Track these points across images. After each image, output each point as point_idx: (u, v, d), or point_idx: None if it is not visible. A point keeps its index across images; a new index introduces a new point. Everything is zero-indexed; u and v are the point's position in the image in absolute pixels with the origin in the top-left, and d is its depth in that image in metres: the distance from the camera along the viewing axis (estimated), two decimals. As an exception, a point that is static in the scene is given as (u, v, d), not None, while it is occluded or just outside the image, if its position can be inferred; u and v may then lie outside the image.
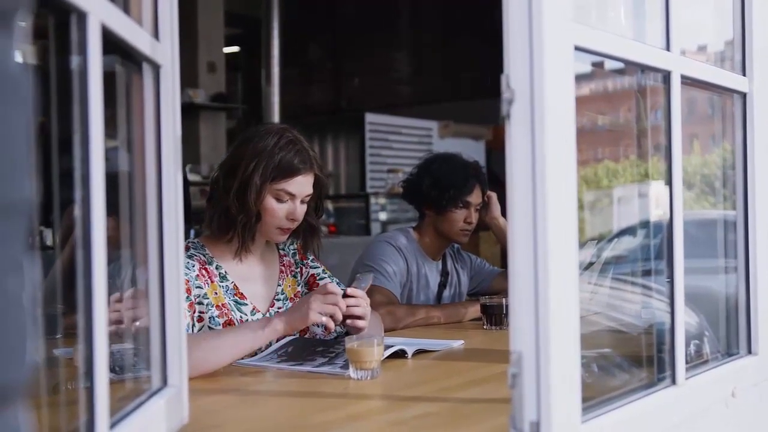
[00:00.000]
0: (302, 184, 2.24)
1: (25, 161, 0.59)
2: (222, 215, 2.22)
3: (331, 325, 2.06)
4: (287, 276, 2.40)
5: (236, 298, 2.23)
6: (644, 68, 1.58)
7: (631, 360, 1.75)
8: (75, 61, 1.03)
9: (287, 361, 2.05)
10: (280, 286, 2.36)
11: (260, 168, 2.18)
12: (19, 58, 0.59)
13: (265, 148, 2.19)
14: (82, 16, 1.01)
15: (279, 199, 2.22)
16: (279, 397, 1.79)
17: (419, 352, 2.20)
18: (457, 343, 2.37)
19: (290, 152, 2.21)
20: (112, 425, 1.10)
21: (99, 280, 1.02)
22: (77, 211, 1.03)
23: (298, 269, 2.44)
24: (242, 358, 2.07)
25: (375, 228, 7.56)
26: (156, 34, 1.37)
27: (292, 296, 2.38)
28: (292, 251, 2.45)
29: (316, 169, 2.27)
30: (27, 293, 0.60)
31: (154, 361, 1.38)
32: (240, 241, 2.24)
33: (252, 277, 2.30)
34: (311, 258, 2.47)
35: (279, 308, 2.31)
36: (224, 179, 2.22)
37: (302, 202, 2.26)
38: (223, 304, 2.19)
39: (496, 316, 2.67)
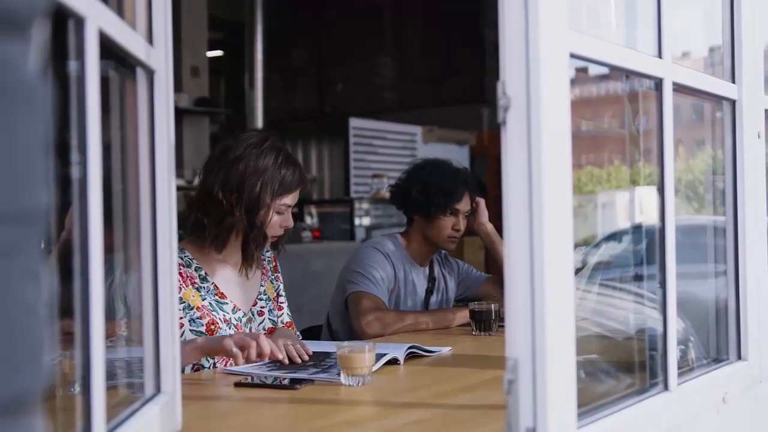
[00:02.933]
0: (297, 196, 2.37)
1: (43, 168, 0.58)
2: (227, 232, 2.28)
3: (240, 359, 1.97)
4: (267, 280, 2.48)
5: (217, 297, 2.30)
6: (637, 75, 1.59)
7: (620, 366, 1.75)
8: (72, 65, 1.02)
9: (280, 369, 2.04)
10: (262, 286, 2.45)
11: (267, 187, 2.26)
12: (35, 65, 0.59)
13: (267, 167, 2.27)
14: (79, 21, 1.00)
15: (278, 213, 2.32)
16: (271, 404, 1.78)
17: (411, 357, 2.20)
18: (446, 350, 2.37)
19: (289, 168, 2.32)
20: (108, 433, 1.09)
21: (96, 287, 1.02)
22: (74, 216, 1.02)
23: (274, 276, 2.54)
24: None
25: (359, 233, 7.55)
26: (150, 39, 1.36)
27: (273, 297, 2.48)
28: (267, 258, 2.54)
29: (306, 180, 2.41)
30: (43, 301, 0.60)
31: (148, 368, 1.37)
32: (254, 257, 2.33)
33: (234, 279, 2.37)
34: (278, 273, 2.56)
35: (262, 307, 2.42)
36: (225, 195, 2.25)
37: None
38: (202, 305, 2.25)
39: (484, 322, 2.67)
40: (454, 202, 3.02)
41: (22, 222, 0.56)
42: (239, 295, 2.36)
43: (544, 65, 1.17)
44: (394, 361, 2.12)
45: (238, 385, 1.90)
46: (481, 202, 3.16)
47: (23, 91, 0.56)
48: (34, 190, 0.58)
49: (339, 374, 1.89)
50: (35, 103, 0.58)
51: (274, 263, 2.55)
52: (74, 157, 1.02)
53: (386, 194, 3.24)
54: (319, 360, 2.15)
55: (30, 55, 0.58)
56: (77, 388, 1.08)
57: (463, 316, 2.84)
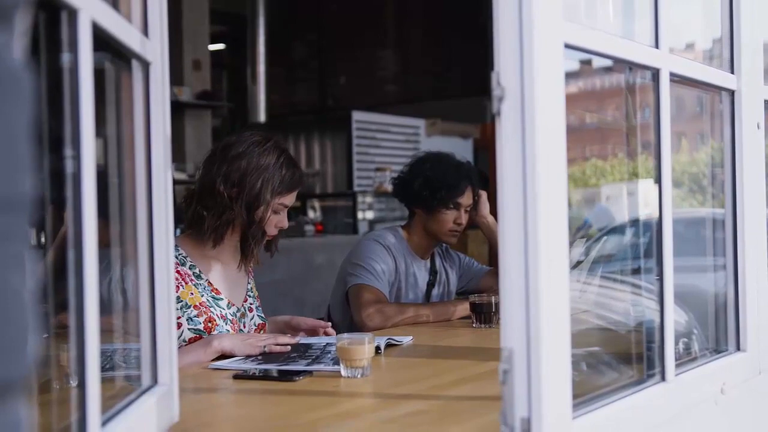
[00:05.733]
0: (294, 197, 2.40)
1: (26, 157, 0.59)
2: (225, 226, 2.30)
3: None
4: (252, 279, 2.53)
5: (213, 294, 2.33)
6: (634, 66, 1.59)
7: (620, 357, 1.75)
8: (65, 58, 1.03)
9: (268, 363, 2.03)
10: (249, 284, 2.50)
11: (268, 185, 2.30)
12: (18, 54, 0.59)
13: (268, 165, 2.31)
14: (72, 13, 1.00)
15: (275, 212, 2.35)
16: (270, 395, 1.78)
17: (389, 346, 2.25)
18: (408, 339, 2.41)
19: (290, 169, 2.35)
20: (103, 423, 1.10)
21: (90, 279, 1.02)
22: (68, 211, 1.02)
23: (253, 276, 2.58)
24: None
25: (362, 227, 7.55)
26: (145, 31, 1.36)
27: (257, 296, 2.53)
28: None
29: (304, 182, 2.44)
30: (28, 288, 0.60)
31: (145, 359, 1.37)
32: (253, 252, 2.36)
33: (225, 275, 2.40)
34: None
35: (251, 304, 2.46)
36: (226, 189, 2.28)
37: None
38: (200, 303, 2.28)
39: (485, 314, 2.67)
40: (456, 196, 3.01)
41: (6, 210, 0.57)
42: (231, 292, 2.40)
43: (538, 56, 1.17)
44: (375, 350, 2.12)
45: (236, 377, 1.90)
46: (483, 194, 3.16)
47: (6, 81, 0.57)
48: (18, 178, 0.58)
49: (333, 363, 1.90)
50: (19, 93, 0.58)
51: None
52: (68, 150, 1.03)
53: (389, 187, 3.25)
54: (303, 351, 2.15)
55: (13, 45, 0.58)
56: (76, 380, 1.08)
57: (463, 308, 2.84)
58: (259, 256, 2.43)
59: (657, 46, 1.54)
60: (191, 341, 2.22)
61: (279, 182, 2.31)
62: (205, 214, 2.29)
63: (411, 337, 2.44)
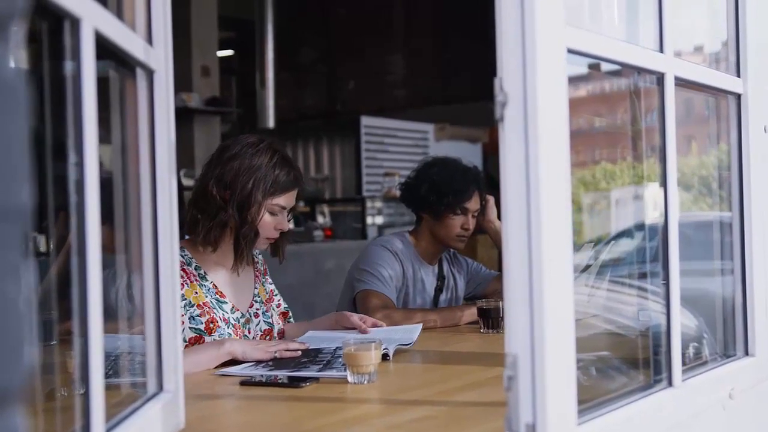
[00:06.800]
0: (292, 198, 2.38)
1: (23, 166, 0.59)
2: (218, 228, 2.30)
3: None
4: (260, 282, 2.52)
5: (217, 296, 2.33)
6: (638, 70, 1.58)
7: (628, 362, 1.75)
8: (68, 66, 1.03)
9: (278, 369, 2.03)
10: (256, 289, 2.49)
11: (260, 185, 2.28)
12: (14, 63, 0.59)
13: (260, 165, 2.29)
14: (75, 22, 1.01)
15: (272, 213, 2.33)
16: (276, 402, 1.78)
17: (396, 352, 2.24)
18: (417, 328, 2.43)
19: (284, 169, 2.33)
20: (108, 430, 1.10)
21: (94, 287, 1.02)
22: (72, 217, 1.02)
23: (265, 279, 2.56)
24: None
25: (371, 232, 7.55)
26: (149, 39, 1.37)
27: (266, 300, 2.51)
28: (260, 260, 2.58)
29: (302, 183, 2.42)
30: (24, 297, 0.60)
31: (150, 366, 1.37)
32: (244, 253, 2.35)
33: (230, 280, 2.40)
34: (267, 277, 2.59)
35: (257, 309, 2.45)
36: (219, 191, 2.28)
37: (288, 213, 2.39)
38: (204, 303, 2.29)
39: (492, 320, 2.66)
40: (464, 201, 3.01)
41: (3, 219, 0.57)
42: (236, 296, 2.39)
43: (540, 61, 1.17)
44: (384, 357, 2.10)
45: (243, 383, 1.90)
46: (491, 199, 3.16)
47: (2, 90, 0.57)
48: (15, 187, 0.58)
49: (344, 369, 1.89)
50: (15, 102, 0.58)
51: (264, 266, 2.58)
52: (71, 158, 1.03)
53: (398, 192, 3.25)
54: (314, 356, 2.15)
55: (9, 55, 0.58)
56: (84, 387, 1.08)
57: (471, 313, 2.83)
58: (250, 257, 2.43)
59: (661, 50, 1.54)
60: (191, 341, 2.22)
61: (272, 182, 2.29)
62: (199, 218, 2.29)
63: (420, 324, 2.45)
